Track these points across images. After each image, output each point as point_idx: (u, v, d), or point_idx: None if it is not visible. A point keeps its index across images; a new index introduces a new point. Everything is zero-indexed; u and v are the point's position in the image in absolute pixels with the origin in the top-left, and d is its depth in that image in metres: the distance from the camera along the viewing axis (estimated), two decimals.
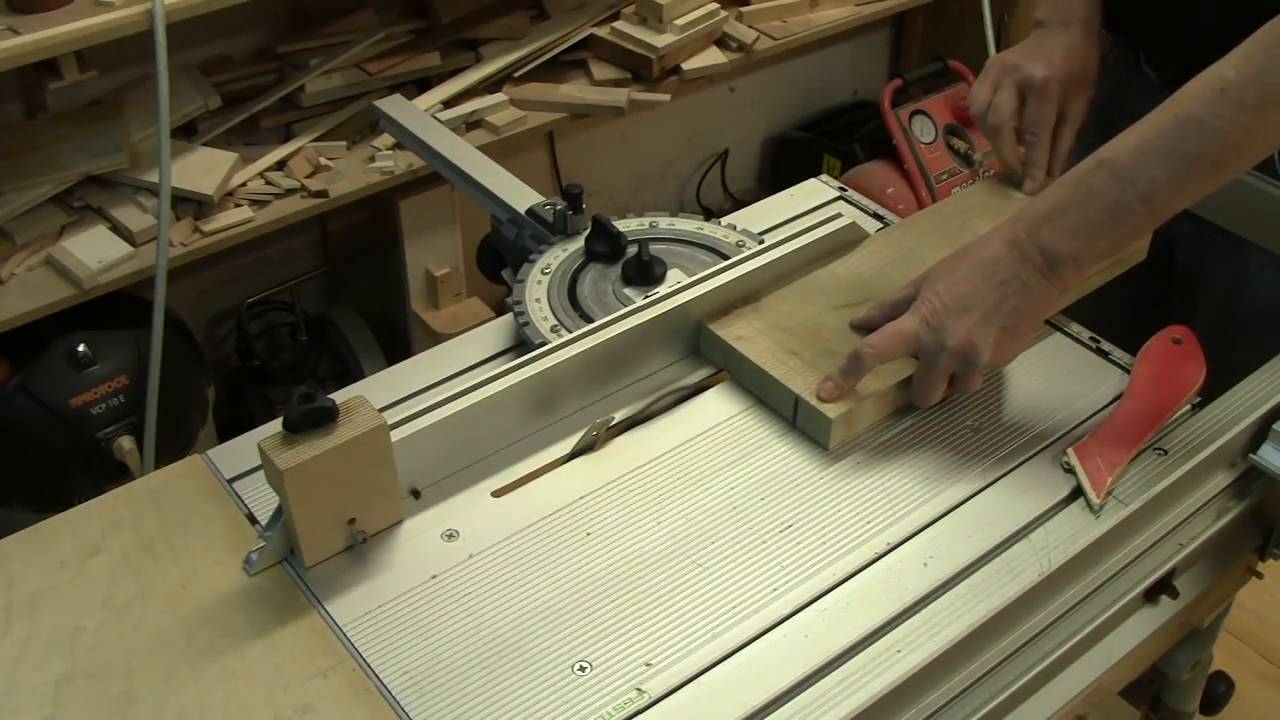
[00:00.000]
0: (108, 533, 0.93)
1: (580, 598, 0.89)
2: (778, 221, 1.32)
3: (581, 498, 0.97)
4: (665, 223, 1.26)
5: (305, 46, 2.13)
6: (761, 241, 1.20)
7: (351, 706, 0.81)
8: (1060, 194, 0.95)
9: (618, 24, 2.30)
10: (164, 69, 1.71)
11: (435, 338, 2.19)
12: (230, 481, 0.99)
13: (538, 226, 1.27)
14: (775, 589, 0.89)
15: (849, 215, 1.19)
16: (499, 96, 2.20)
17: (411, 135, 1.53)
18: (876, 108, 2.64)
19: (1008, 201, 1.19)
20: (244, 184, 1.99)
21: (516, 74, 2.25)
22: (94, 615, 0.87)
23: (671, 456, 1.00)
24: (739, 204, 2.51)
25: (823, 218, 1.18)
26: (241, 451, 1.00)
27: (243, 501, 0.97)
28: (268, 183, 2.01)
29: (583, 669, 0.84)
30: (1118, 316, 1.17)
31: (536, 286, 1.17)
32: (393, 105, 1.60)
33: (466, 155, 1.46)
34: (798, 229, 1.16)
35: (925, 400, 1.02)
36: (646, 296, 1.10)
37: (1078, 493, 0.97)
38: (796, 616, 0.87)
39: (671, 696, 0.82)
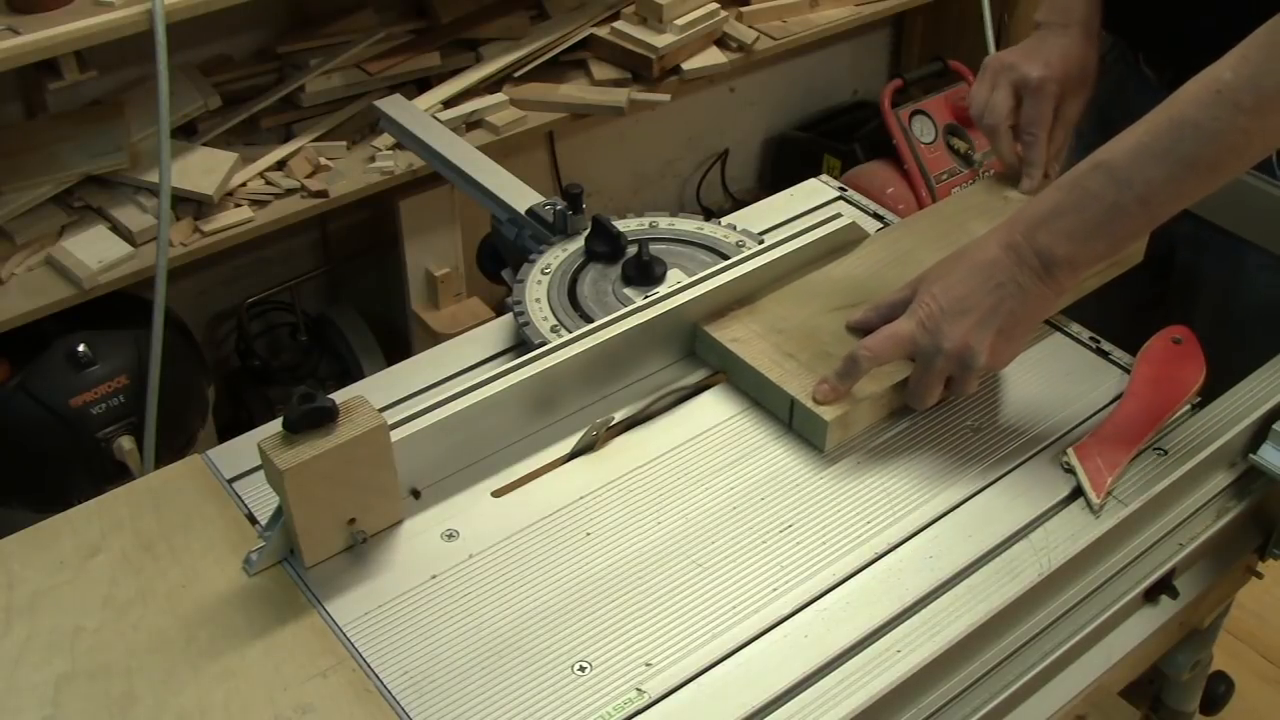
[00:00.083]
0: (108, 533, 0.93)
1: (580, 598, 0.89)
2: (778, 221, 1.32)
3: (581, 498, 0.97)
4: (665, 223, 1.26)
5: (305, 46, 2.13)
6: (761, 241, 1.20)
7: (351, 706, 0.81)
8: (1057, 196, 0.95)
9: (618, 24, 2.30)
10: (164, 69, 1.71)
11: (435, 338, 2.19)
12: (230, 481, 0.99)
13: (538, 226, 1.27)
14: (775, 589, 0.89)
15: (849, 215, 1.18)
16: (499, 96, 2.20)
17: (411, 135, 1.53)
18: (876, 108, 2.64)
19: (1005, 203, 1.19)
20: (244, 184, 1.99)
21: (516, 74, 2.25)
22: (94, 615, 0.87)
23: (671, 456, 1.00)
24: (739, 204, 2.50)
25: (823, 218, 1.18)
26: (241, 451, 1.00)
27: (243, 501, 0.97)
28: (268, 183, 2.01)
29: (583, 669, 0.84)
30: (1117, 317, 1.17)
31: (536, 286, 1.17)
32: (393, 105, 1.60)
33: (466, 155, 1.45)
34: (798, 229, 1.16)
35: (921, 403, 1.02)
36: (646, 296, 1.09)
37: (1078, 493, 0.97)
38: (796, 616, 0.87)
39: (671, 696, 0.82)
